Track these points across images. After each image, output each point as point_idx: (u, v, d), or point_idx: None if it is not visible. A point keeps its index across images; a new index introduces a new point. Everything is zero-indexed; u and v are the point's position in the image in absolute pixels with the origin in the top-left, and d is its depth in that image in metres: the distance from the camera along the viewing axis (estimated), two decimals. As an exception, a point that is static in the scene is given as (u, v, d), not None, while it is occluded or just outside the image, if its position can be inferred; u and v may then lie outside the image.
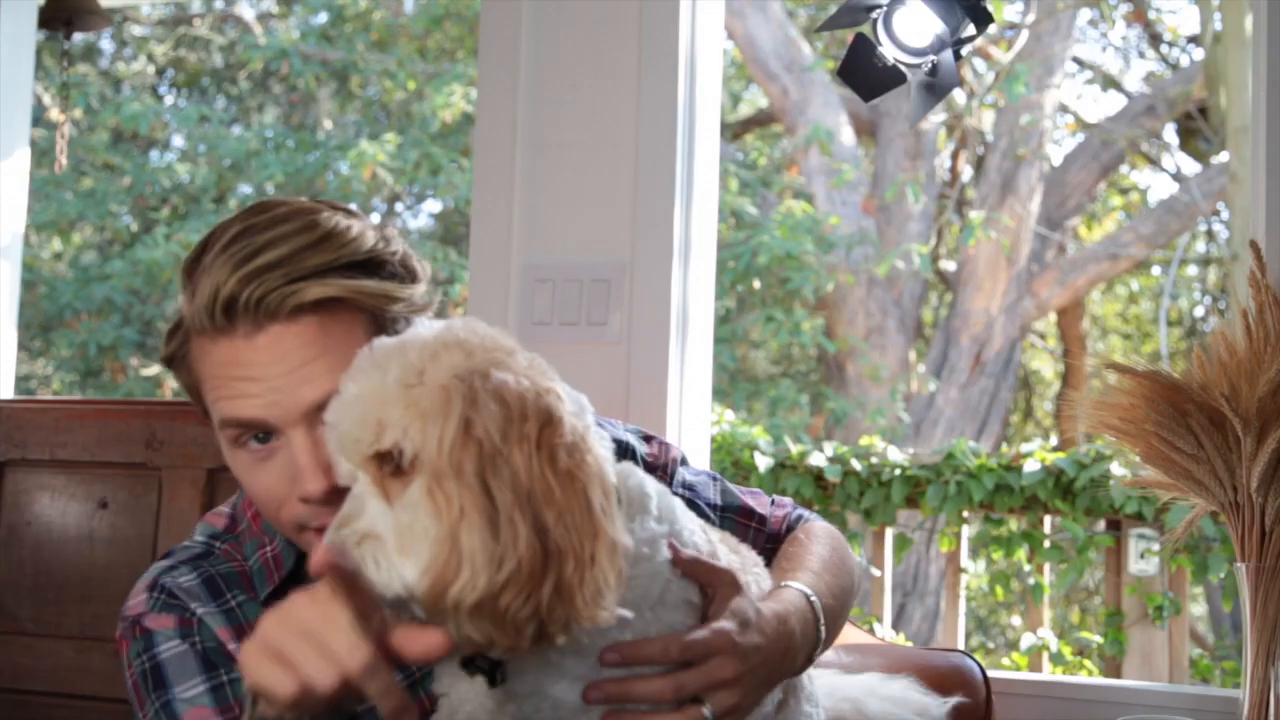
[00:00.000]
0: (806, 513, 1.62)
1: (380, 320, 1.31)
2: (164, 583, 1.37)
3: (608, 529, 1.08)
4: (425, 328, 1.15)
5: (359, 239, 1.29)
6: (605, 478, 1.11)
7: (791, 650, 1.28)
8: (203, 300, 1.24)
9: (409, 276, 1.34)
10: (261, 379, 1.24)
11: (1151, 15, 9.16)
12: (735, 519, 1.55)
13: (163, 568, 1.40)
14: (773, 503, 1.61)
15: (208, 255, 1.26)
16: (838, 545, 1.53)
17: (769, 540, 1.56)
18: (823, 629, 1.35)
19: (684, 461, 1.58)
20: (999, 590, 3.89)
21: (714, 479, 1.59)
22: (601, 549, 1.07)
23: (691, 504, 1.42)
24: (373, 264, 1.30)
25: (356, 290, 1.27)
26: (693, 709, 1.16)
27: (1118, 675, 3.71)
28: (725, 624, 1.18)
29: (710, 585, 1.22)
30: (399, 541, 1.06)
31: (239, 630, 1.35)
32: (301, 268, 1.25)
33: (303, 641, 1.01)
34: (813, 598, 1.35)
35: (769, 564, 1.45)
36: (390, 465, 1.08)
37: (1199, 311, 9.33)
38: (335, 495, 1.20)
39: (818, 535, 1.53)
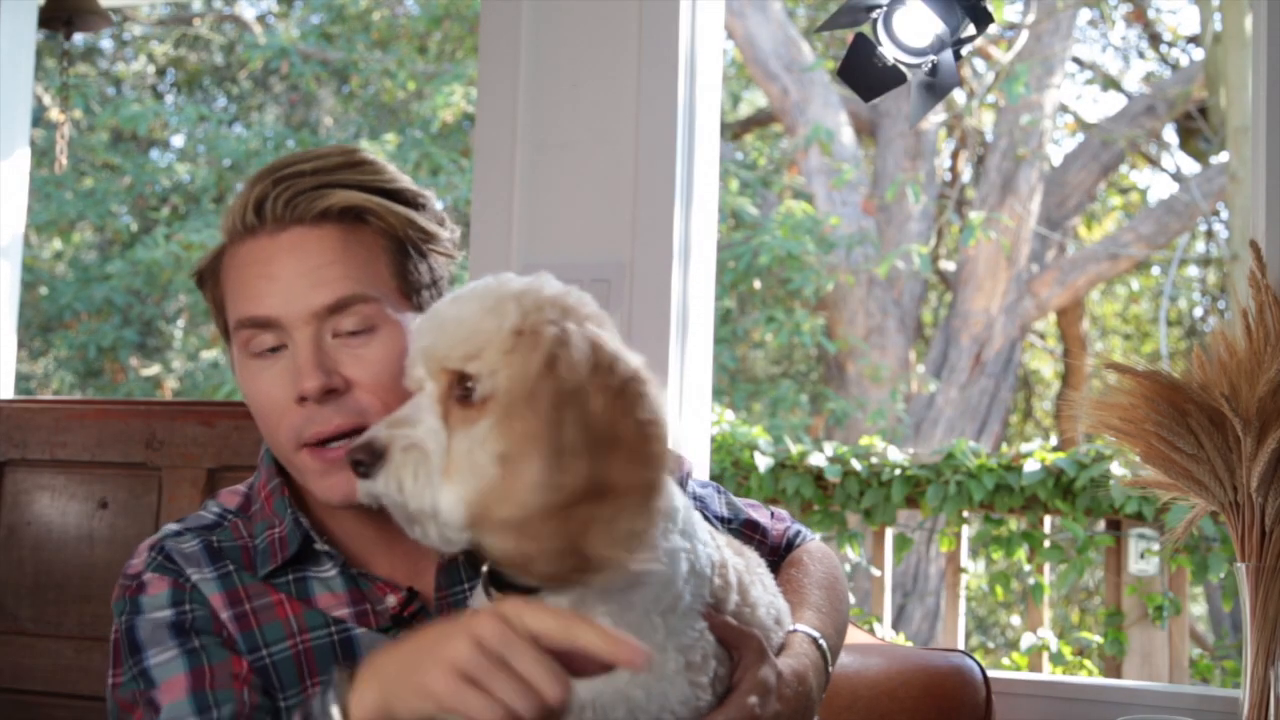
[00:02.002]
0: (803, 529, 1.66)
1: (404, 250, 1.37)
2: (165, 545, 1.39)
3: (660, 485, 1.12)
4: (549, 283, 1.18)
5: (395, 175, 1.39)
6: (668, 440, 1.14)
7: (810, 707, 1.33)
8: (237, 205, 1.34)
9: (437, 220, 1.41)
10: (278, 277, 1.31)
11: (1151, 15, 9.17)
12: (741, 531, 1.59)
13: (169, 531, 1.42)
14: (772, 515, 1.65)
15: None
16: (834, 570, 1.58)
17: (769, 553, 1.59)
18: (830, 670, 1.40)
19: (690, 473, 1.60)
20: (999, 590, 3.89)
21: (719, 491, 1.62)
22: (647, 499, 1.10)
23: (702, 515, 1.44)
24: (404, 196, 1.38)
25: (382, 207, 1.35)
26: None
27: (1118, 675, 3.71)
28: (751, 699, 1.23)
29: (737, 649, 1.25)
30: (449, 464, 1.10)
31: (233, 596, 1.36)
32: (333, 179, 1.33)
33: (502, 672, 1.00)
34: (821, 642, 1.40)
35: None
36: (460, 389, 1.12)
37: (1199, 311, 9.34)
38: (329, 397, 1.29)
39: (817, 559, 1.58)
